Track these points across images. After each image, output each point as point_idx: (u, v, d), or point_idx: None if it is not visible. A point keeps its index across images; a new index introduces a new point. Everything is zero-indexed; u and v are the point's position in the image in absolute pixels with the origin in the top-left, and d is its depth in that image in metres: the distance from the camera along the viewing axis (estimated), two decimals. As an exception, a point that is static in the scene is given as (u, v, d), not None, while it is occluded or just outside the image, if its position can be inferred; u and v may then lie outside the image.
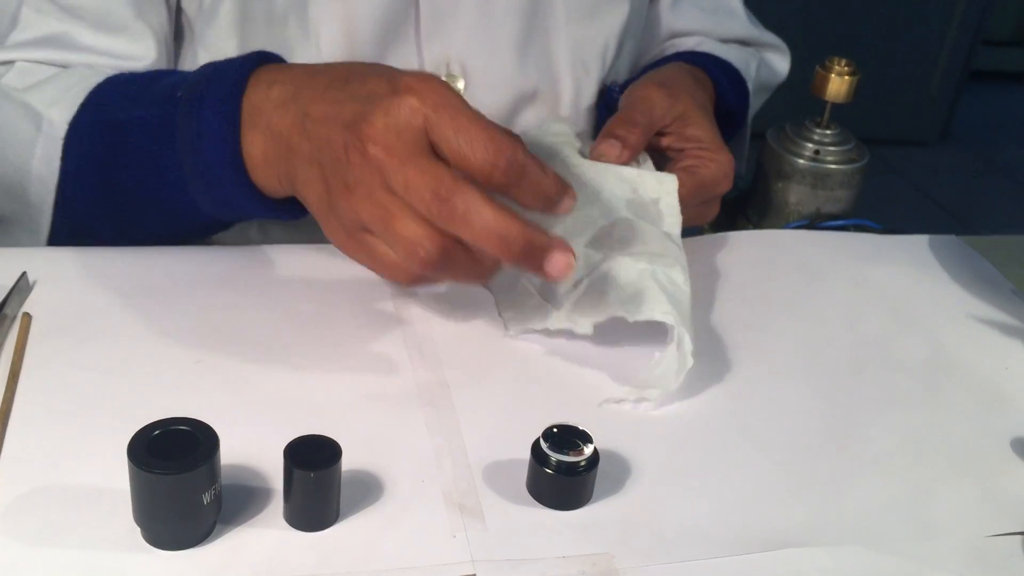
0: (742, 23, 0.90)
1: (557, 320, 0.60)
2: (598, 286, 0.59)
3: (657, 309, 0.57)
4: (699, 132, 0.70)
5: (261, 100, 0.57)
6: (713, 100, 0.80)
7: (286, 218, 0.61)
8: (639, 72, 0.82)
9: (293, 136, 0.55)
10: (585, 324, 0.59)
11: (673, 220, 0.64)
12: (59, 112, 0.63)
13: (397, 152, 0.51)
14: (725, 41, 0.89)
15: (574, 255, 0.52)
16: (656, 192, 0.65)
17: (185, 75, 0.62)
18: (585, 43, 0.78)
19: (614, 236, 0.61)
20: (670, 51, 0.89)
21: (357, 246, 0.55)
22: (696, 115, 0.71)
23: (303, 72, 0.58)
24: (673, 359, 0.56)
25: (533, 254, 0.52)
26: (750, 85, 0.86)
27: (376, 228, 0.53)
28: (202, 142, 0.58)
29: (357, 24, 0.71)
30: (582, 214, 0.62)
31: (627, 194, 0.65)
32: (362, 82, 0.54)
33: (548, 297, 0.61)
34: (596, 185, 0.64)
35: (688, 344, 0.56)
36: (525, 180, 0.52)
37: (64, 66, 0.68)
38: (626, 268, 0.59)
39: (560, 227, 0.61)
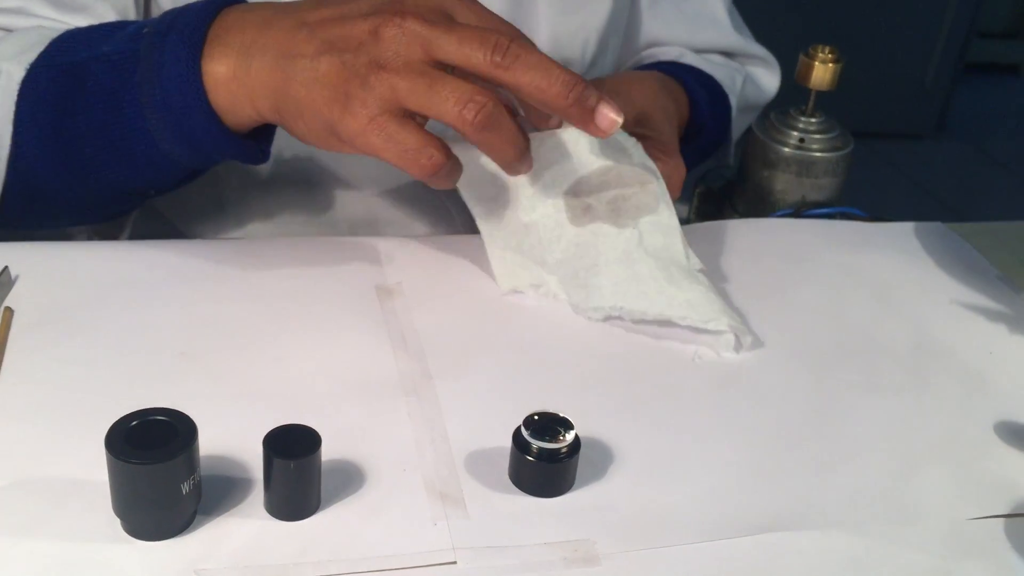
0: (724, 32, 0.89)
1: (552, 286, 0.62)
2: (588, 263, 0.60)
3: (672, 310, 0.59)
4: (654, 133, 0.70)
5: (233, 21, 0.57)
6: (684, 114, 0.79)
7: (244, 159, 0.60)
8: None
9: (285, 42, 0.55)
10: (586, 308, 0.61)
11: (631, 142, 0.64)
12: (17, 65, 0.61)
13: (438, 23, 0.53)
14: (705, 51, 0.88)
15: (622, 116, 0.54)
16: None
17: (152, 18, 0.61)
18: (566, 38, 0.78)
19: (592, 183, 0.62)
20: (648, 60, 0.87)
21: (378, 131, 0.53)
22: (656, 116, 0.71)
23: (282, 1, 0.58)
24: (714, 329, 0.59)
25: (586, 102, 0.54)
26: (734, 100, 0.85)
27: (418, 95, 0.52)
28: (162, 69, 0.56)
29: None
30: (556, 169, 0.62)
31: (587, 137, 0.63)
32: None
33: (539, 261, 0.62)
34: (560, 136, 0.63)
35: (722, 318, 0.59)
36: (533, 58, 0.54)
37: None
38: (612, 243, 0.60)
39: (539, 183, 0.62)
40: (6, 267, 0.58)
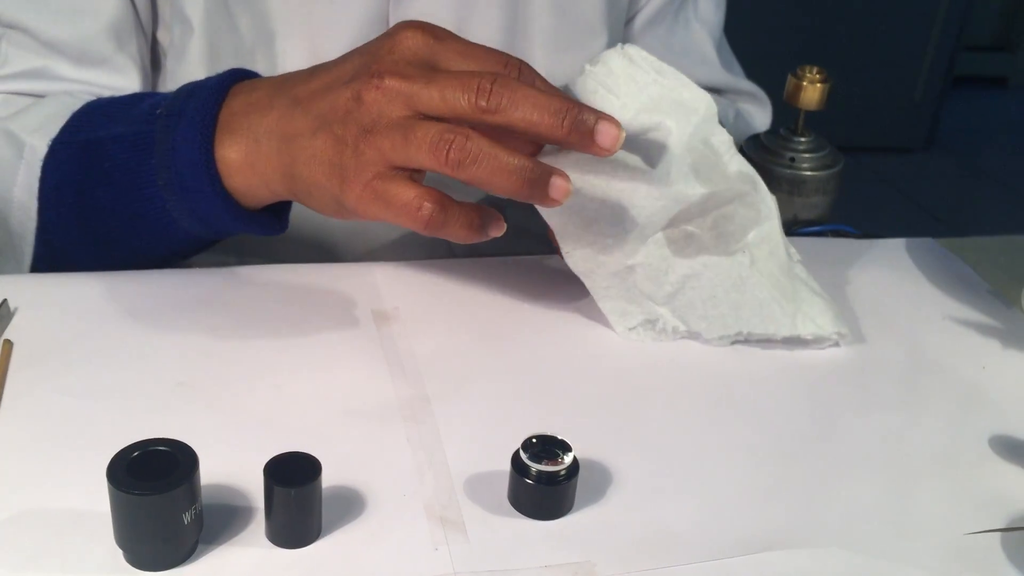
0: (712, 68, 0.88)
1: (668, 319, 0.62)
2: (705, 295, 0.62)
3: (799, 328, 0.62)
4: None
5: (240, 106, 0.57)
6: None
7: (262, 232, 0.61)
8: None
9: (285, 124, 0.55)
10: (712, 337, 0.62)
11: (724, 144, 0.61)
12: (41, 138, 0.63)
13: (416, 77, 0.52)
14: None
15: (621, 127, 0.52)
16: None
17: (166, 95, 0.62)
18: (561, 77, 0.77)
19: (692, 211, 0.60)
20: None
21: (373, 195, 0.52)
22: None
23: (282, 76, 0.59)
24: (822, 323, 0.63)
25: (582, 126, 0.51)
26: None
27: (397, 149, 0.51)
28: (176, 154, 0.58)
29: (324, 59, 0.71)
30: (655, 208, 0.59)
31: (686, 162, 0.59)
32: (354, 51, 0.55)
33: (649, 296, 0.62)
34: (656, 171, 0.58)
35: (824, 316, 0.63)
36: (538, 80, 0.54)
37: (44, 95, 0.69)
38: (725, 271, 0.61)
39: (638, 226, 0.59)
40: (5, 299, 0.59)
